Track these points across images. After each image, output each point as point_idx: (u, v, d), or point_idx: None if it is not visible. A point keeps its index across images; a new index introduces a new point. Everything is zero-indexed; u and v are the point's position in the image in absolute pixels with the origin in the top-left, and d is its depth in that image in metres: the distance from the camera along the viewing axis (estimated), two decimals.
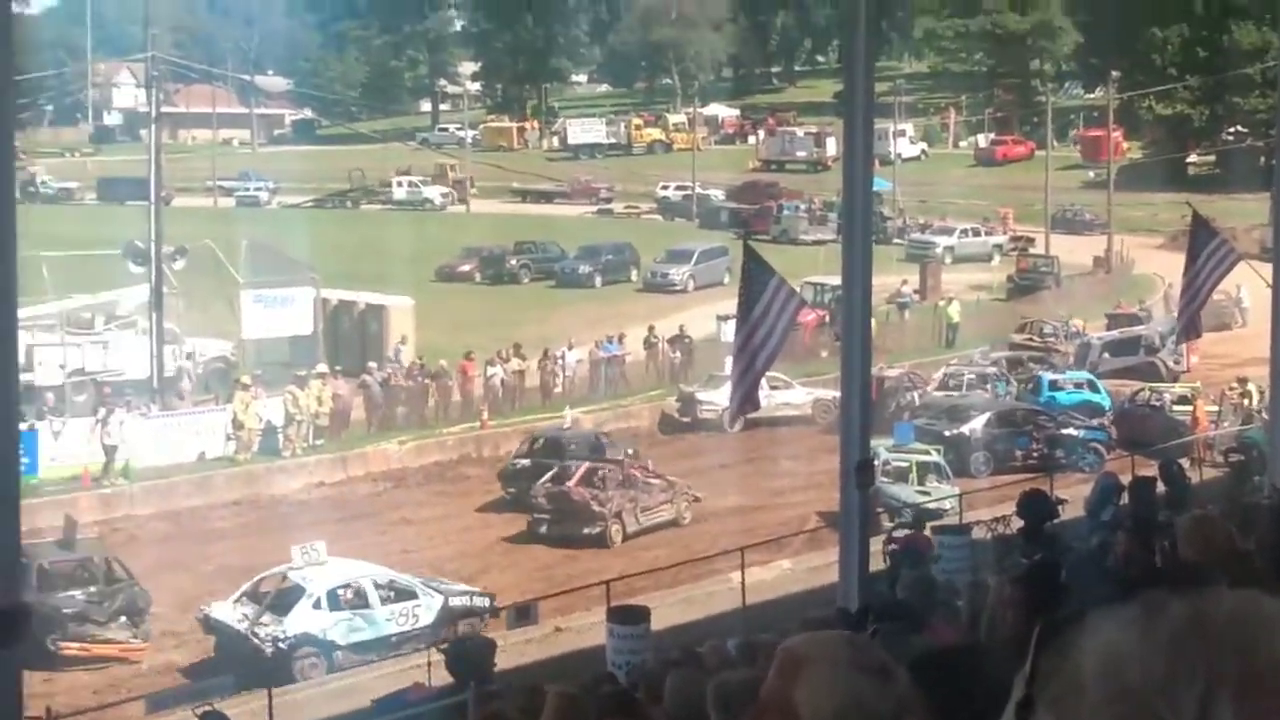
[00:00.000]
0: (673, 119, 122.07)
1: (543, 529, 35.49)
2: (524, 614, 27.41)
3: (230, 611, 27.79)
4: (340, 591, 28.02)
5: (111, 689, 25.98)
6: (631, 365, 51.43)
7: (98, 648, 27.77)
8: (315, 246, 58.62)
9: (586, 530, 35.14)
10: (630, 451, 40.14)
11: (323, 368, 44.37)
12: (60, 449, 38.63)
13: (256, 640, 26.89)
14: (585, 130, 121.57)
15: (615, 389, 50.06)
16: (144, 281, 44.41)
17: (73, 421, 39.53)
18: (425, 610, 28.01)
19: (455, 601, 28.59)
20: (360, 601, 28.06)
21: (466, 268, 73.64)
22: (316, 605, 27.47)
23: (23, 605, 5.59)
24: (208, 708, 18.86)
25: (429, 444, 43.85)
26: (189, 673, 27.12)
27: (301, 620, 27.18)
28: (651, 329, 53.38)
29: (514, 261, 74.10)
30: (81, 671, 27.03)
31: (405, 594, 28.38)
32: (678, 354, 52.27)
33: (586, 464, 36.59)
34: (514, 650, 22.02)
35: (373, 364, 46.45)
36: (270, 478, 40.65)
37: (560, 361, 49.68)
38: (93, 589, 28.72)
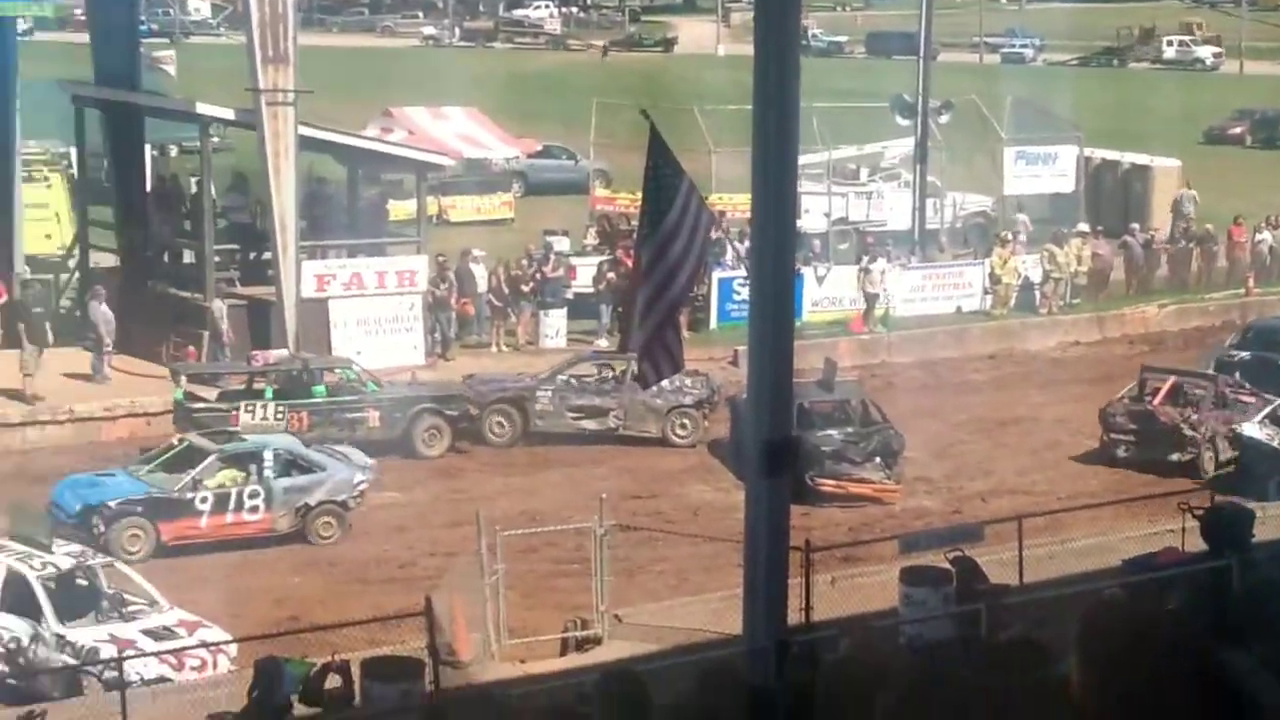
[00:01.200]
0: None
1: (1120, 451, 30.41)
2: None
3: (1256, 430, 29.62)
4: None
5: (865, 528, 26.57)
6: None
7: (852, 486, 28.48)
8: (1079, 104, 57.73)
9: (1175, 457, 29.87)
10: None
11: (1083, 226, 43.81)
12: (822, 294, 39.85)
13: None
14: None
15: None
16: (909, 135, 44.91)
17: (836, 269, 40.69)
18: None
19: None
20: None
21: (1237, 130, 71.16)
22: None
23: (791, 438, 5.83)
24: (958, 553, 19.19)
25: (1190, 309, 42.75)
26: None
27: None
28: None
29: None
30: (836, 509, 27.72)
31: None
32: None
33: (1174, 378, 31.74)
34: (1274, 523, 21.31)
35: (1135, 225, 45.51)
36: (1025, 333, 40.65)
37: None
38: (849, 429, 29.51)
